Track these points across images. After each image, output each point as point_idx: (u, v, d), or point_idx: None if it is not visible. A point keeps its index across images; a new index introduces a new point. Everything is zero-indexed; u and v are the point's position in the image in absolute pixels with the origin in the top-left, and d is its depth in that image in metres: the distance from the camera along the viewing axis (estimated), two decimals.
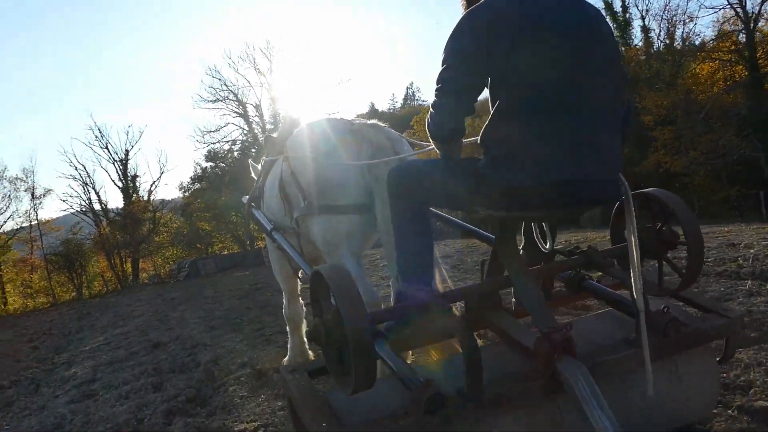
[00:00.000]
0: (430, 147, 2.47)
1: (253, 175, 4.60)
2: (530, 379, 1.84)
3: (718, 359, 2.28)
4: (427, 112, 2.23)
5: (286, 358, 4.31)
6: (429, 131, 2.15)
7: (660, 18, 28.24)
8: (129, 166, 38.19)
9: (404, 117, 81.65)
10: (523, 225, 2.67)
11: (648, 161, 24.87)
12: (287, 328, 4.28)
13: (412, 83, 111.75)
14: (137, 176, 38.50)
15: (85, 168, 37.18)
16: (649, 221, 2.41)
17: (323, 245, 3.16)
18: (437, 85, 2.03)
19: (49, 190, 36.16)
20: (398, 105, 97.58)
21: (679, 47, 27.88)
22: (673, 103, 23.67)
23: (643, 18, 28.14)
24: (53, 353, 8.03)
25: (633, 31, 27.91)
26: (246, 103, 39.06)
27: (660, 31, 28.38)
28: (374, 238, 3.33)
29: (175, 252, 39.04)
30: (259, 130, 39.68)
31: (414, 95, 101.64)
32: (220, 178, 38.22)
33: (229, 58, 43.18)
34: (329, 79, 39.36)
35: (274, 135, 4.06)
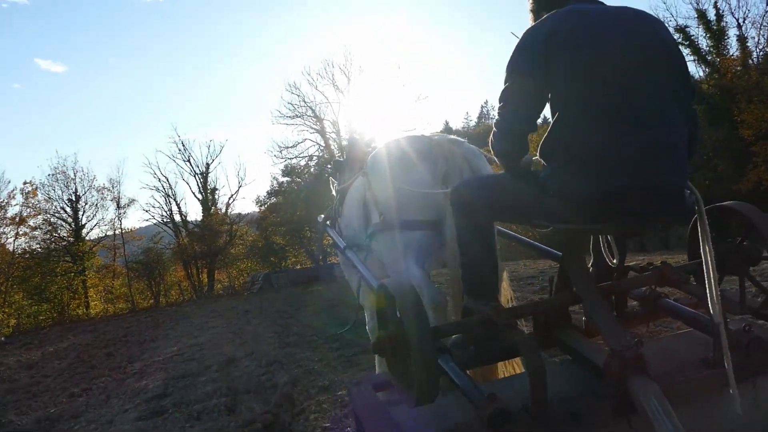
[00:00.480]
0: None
1: (332, 191, 4.61)
2: (600, 397, 1.78)
3: None
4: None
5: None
6: (492, 149, 2.17)
7: (759, 25, 26.37)
8: (209, 179, 39.06)
9: (479, 135, 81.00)
10: (591, 240, 2.54)
11: (747, 179, 23.11)
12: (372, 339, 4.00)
13: (487, 101, 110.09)
14: (216, 189, 39.31)
15: (167, 180, 38.29)
16: (729, 236, 2.33)
17: (388, 256, 3.18)
18: (499, 103, 2.06)
19: (133, 200, 37.33)
20: (472, 123, 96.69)
21: None
22: None
23: (739, 26, 26.42)
24: (126, 361, 7.81)
25: (729, 40, 26.16)
26: (323, 119, 39.31)
27: (759, 39, 26.56)
28: (442, 257, 3.20)
29: (249, 264, 39.45)
30: (336, 146, 39.77)
31: (488, 113, 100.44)
32: (296, 193, 38.40)
33: (309, 75, 43.58)
34: (407, 96, 38.52)
35: (342, 158, 4.28)
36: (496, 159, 2.24)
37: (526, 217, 2.22)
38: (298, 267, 38.61)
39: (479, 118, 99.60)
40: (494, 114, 2.21)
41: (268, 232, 38.50)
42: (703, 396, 1.86)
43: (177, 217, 38.37)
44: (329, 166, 38.12)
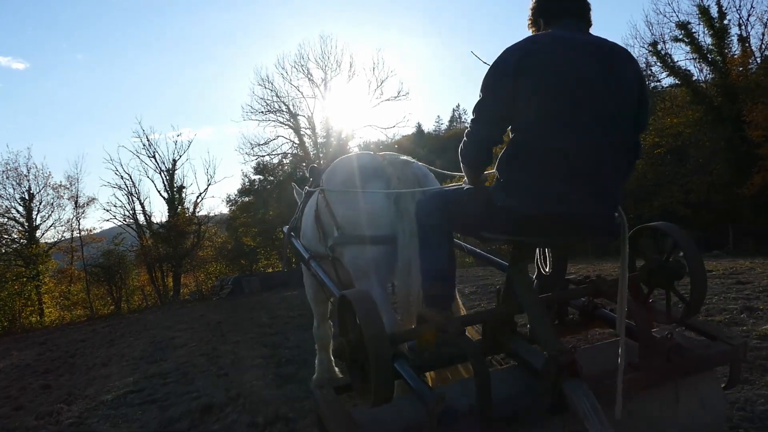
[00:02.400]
0: (459, 175, 2.77)
1: (295, 196, 5.18)
2: (538, 397, 1.99)
3: (723, 385, 2.44)
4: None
5: (314, 376, 4.62)
6: (461, 156, 2.37)
7: (765, 21, 25.32)
8: (176, 176, 36.78)
9: (450, 138, 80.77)
10: (536, 254, 2.75)
11: (752, 182, 21.92)
12: (316, 347, 4.65)
13: (459, 105, 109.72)
14: (184, 187, 37.03)
15: (131, 177, 35.91)
16: (659, 252, 2.58)
17: (354, 272, 3.35)
18: (472, 114, 2.25)
19: (92, 198, 34.94)
20: (443, 126, 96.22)
21: None
22: None
23: (740, 26, 25.36)
24: (63, 401, 5.85)
25: (731, 39, 25.07)
26: (298, 114, 37.40)
27: (765, 36, 25.53)
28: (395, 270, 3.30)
29: (217, 267, 37.33)
30: (311, 143, 37.95)
31: (460, 117, 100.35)
32: (269, 192, 36.44)
33: (282, 68, 41.42)
34: (385, 93, 36.75)
35: (320, 165, 4.50)
36: (461, 165, 2.41)
37: (475, 229, 2.41)
38: (270, 270, 36.76)
39: (450, 121, 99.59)
40: (467, 123, 2.41)
41: (239, 233, 36.55)
42: (630, 396, 2.08)
43: (141, 217, 36.02)
44: (305, 165, 36.81)
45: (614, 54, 2.17)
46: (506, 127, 2.20)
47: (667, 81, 27.79)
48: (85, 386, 6.60)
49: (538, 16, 2.40)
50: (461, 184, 2.66)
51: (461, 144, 2.34)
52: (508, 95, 2.11)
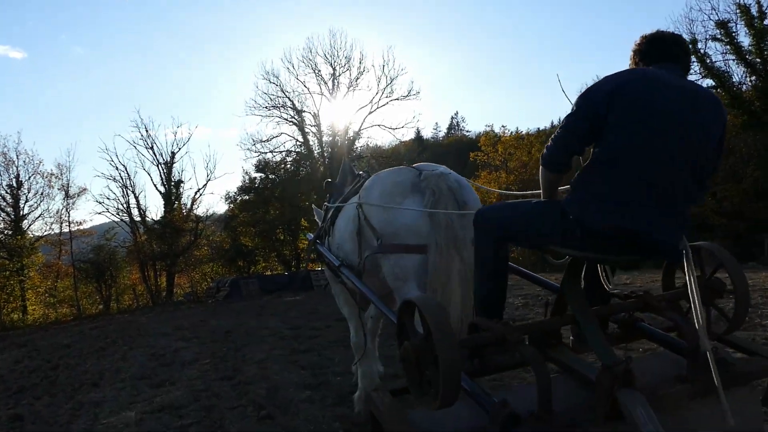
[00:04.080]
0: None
1: (316, 218, 5.41)
2: (593, 406, 2.03)
3: (761, 398, 2.51)
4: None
5: (357, 391, 4.38)
6: (542, 157, 2.42)
7: None
8: (174, 170, 34.90)
9: (449, 146, 79.83)
10: (584, 269, 2.76)
11: None
12: (356, 357, 4.55)
13: (457, 113, 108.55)
14: (182, 182, 35.08)
15: (126, 169, 33.95)
16: (699, 271, 2.57)
17: (393, 280, 3.44)
18: (562, 122, 2.35)
19: (84, 189, 32.97)
20: (441, 134, 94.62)
21: None
22: None
23: None
24: None
25: None
26: (303, 111, 35.73)
27: None
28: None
29: (214, 268, 35.53)
30: (315, 141, 36.30)
31: (459, 125, 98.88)
32: (270, 191, 34.71)
33: (289, 62, 39.51)
34: (394, 93, 35.01)
35: (336, 181, 4.89)
36: (542, 166, 2.46)
37: (542, 242, 2.51)
38: (268, 273, 35.07)
39: (449, 129, 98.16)
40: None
41: (237, 233, 34.76)
42: (679, 406, 2.19)
43: (135, 212, 33.96)
44: (317, 153, 35.18)
45: (704, 97, 2.29)
46: (589, 143, 2.32)
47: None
48: (69, 420, 4.89)
49: (639, 57, 2.52)
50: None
51: (545, 147, 2.43)
52: (594, 120, 2.24)
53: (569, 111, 2.33)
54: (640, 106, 2.18)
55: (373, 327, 4.55)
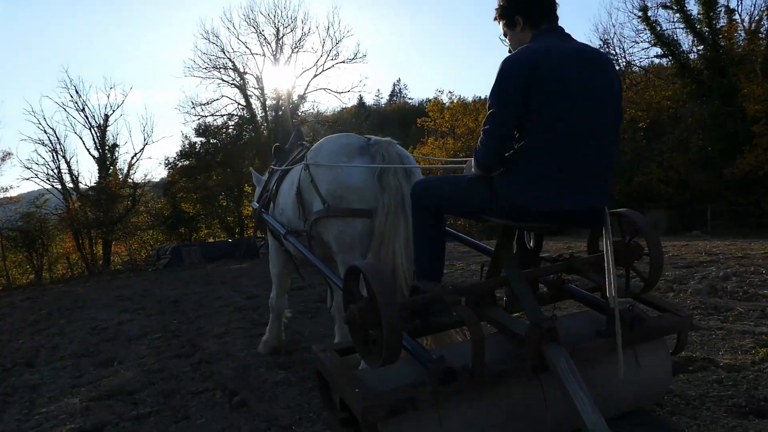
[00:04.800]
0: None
1: (254, 182, 5.44)
2: (522, 360, 2.30)
3: (671, 351, 2.79)
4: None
5: (263, 338, 4.94)
6: (476, 161, 2.51)
7: None
8: (108, 133, 33.08)
9: (392, 113, 78.98)
10: (516, 234, 2.89)
11: (744, 161, 20.74)
12: (271, 315, 4.87)
13: (400, 80, 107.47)
14: (117, 146, 33.39)
15: (55, 132, 32.24)
16: (619, 235, 2.77)
17: (338, 246, 3.47)
18: (485, 126, 2.41)
19: (8, 153, 30.93)
20: (383, 101, 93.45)
21: None
22: None
23: None
24: None
25: (720, 10, 23.65)
26: (245, 73, 34.32)
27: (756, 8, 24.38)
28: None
29: (153, 235, 34.14)
30: (259, 105, 35.03)
31: (401, 92, 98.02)
32: (212, 156, 33.38)
33: (230, 21, 37.63)
34: (340, 56, 33.90)
35: (285, 146, 4.92)
36: (475, 168, 2.53)
37: (476, 214, 2.64)
38: (211, 240, 33.94)
39: (391, 96, 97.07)
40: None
41: (178, 199, 33.38)
42: (598, 359, 2.45)
43: (67, 178, 32.09)
44: (260, 117, 33.93)
45: (602, 60, 2.45)
46: (515, 138, 2.38)
47: (653, 51, 26.47)
48: None
49: (513, 12, 2.56)
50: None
51: (476, 148, 2.49)
52: (518, 108, 2.30)
53: (489, 112, 2.40)
54: (557, 89, 2.27)
55: (284, 284, 4.87)
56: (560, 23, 2.55)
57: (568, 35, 2.49)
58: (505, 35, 2.68)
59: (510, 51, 2.57)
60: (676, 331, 2.74)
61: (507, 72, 2.33)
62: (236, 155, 32.91)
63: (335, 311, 4.23)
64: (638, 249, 2.74)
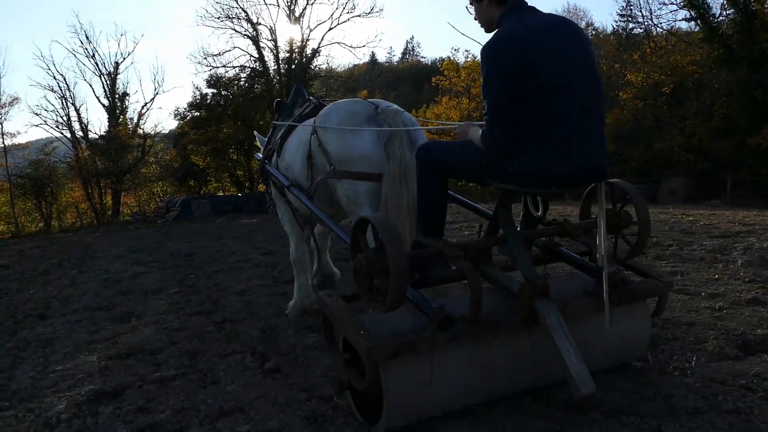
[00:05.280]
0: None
1: (258, 144, 5.41)
2: (515, 313, 2.49)
3: (651, 313, 2.97)
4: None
5: (293, 300, 4.65)
6: (484, 144, 2.58)
7: None
8: (118, 81, 32.52)
9: (404, 71, 77.90)
10: (523, 198, 3.11)
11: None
12: (294, 271, 4.72)
13: (413, 37, 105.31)
14: (127, 94, 32.81)
15: (65, 79, 31.62)
16: (610, 204, 2.95)
17: (347, 203, 3.64)
18: (487, 115, 2.52)
19: (16, 98, 30.45)
20: (395, 58, 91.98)
21: None
22: None
23: None
24: None
25: None
26: (259, 24, 33.46)
27: None
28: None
29: (163, 187, 33.86)
30: (271, 57, 34.25)
31: (414, 50, 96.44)
32: (223, 109, 32.82)
33: None
34: (357, 9, 33.09)
35: (286, 101, 5.06)
36: (486, 149, 2.58)
37: (479, 178, 2.81)
38: (220, 194, 33.68)
39: (403, 54, 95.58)
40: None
41: (188, 151, 32.93)
42: (585, 315, 2.63)
43: (76, 126, 31.64)
44: (273, 71, 33.36)
45: (573, 27, 2.57)
46: (517, 118, 2.46)
47: (682, 14, 25.55)
48: (11, 365, 3.92)
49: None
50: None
51: (483, 130, 2.58)
52: (513, 94, 2.42)
53: (487, 102, 2.51)
54: (545, 67, 2.39)
55: (323, 242, 4.84)
56: None
57: (533, 8, 2.60)
58: (471, 4, 2.78)
59: (480, 25, 2.79)
60: (657, 294, 2.92)
61: (492, 64, 2.45)
62: (248, 108, 32.32)
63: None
64: (627, 217, 2.94)
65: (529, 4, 2.61)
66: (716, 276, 4.92)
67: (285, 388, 3.02)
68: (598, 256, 2.60)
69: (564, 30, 2.49)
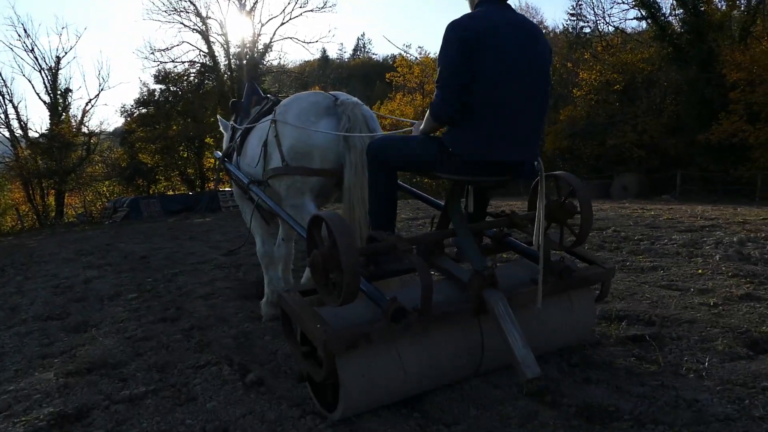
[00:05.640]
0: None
1: (222, 129, 5.39)
2: (465, 303, 2.59)
3: (596, 299, 3.12)
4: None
5: (263, 300, 4.46)
6: (433, 114, 2.75)
7: None
8: (60, 76, 31.28)
9: (356, 68, 77.51)
10: (466, 191, 3.21)
11: (719, 128, 20.64)
12: (263, 266, 4.57)
13: (364, 34, 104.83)
14: (70, 90, 31.60)
15: (1, 74, 29.98)
16: (556, 195, 3.12)
17: (287, 191, 3.68)
18: (437, 83, 2.67)
19: None
20: (347, 55, 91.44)
21: None
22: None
23: None
24: None
25: None
26: (208, 18, 32.64)
27: None
28: (333, 197, 4.02)
29: (110, 187, 32.70)
30: (222, 52, 33.47)
31: (365, 47, 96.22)
32: (172, 105, 31.91)
33: None
34: (310, 3, 32.59)
35: (241, 101, 4.98)
36: (432, 116, 2.76)
37: (426, 169, 2.88)
38: (170, 193, 32.74)
39: (354, 50, 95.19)
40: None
41: (135, 149, 31.88)
42: (531, 303, 2.66)
43: (15, 123, 30.20)
44: (223, 66, 32.53)
45: (536, 31, 2.72)
46: (467, 90, 2.58)
47: (631, 13, 26.08)
48: None
49: None
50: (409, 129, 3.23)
51: (432, 104, 2.72)
52: (463, 66, 2.55)
53: (439, 71, 2.65)
54: (495, 53, 2.53)
55: (287, 250, 4.69)
56: None
57: (509, 5, 2.75)
58: None
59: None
60: (601, 280, 3.06)
61: (451, 34, 2.58)
62: (198, 104, 31.52)
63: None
64: (572, 208, 3.03)
65: (506, 2, 2.76)
66: (699, 271, 4.84)
67: (272, 403, 2.73)
68: (533, 243, 2.78)
69: (525, 29, 2.66)
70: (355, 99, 3.75)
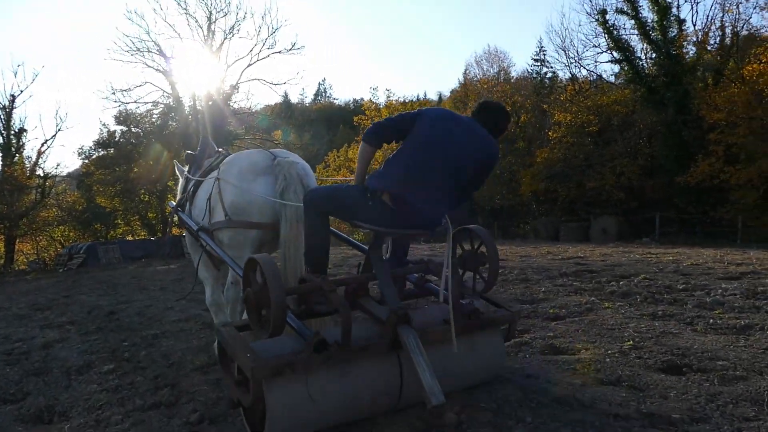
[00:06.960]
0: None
1: (177, 173, 5.71)
2: (381, 338, 2.85)
3: (504, 339, 3.44)
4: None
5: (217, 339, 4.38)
6: (366, 137, 3.21)
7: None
8: (14, 116, 29.65)
9: (317, 112, 77.48)
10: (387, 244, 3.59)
11: (697, 170, 20.55)
12: (212, 314, 4.85)
13: (325, 80, 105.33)
14: (25, 130, 29.98)
15: None
16: (470, 245, 3.49)
17: (230, 242, 4.03)
18: (382, 122, 3.21)
19: None
20: (308, 99, 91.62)
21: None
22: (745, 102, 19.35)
23: (679, 7, 24.01)
24: None
25: (673, 18, 23.56)
26: (172, 58, 31.66)
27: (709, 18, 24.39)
28: (271, 248, 4.22)
29: (65, 232, 30.95)
30: (187, 93, 32.42)
31: (326, 92, 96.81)
32: (133, 147, 30.59)
33: (157, 1, 34.43)
34: (276, 47, 31.90)
35: (195, 153, 5.40)
36: (363, 143, 3.23)
37: (349, 217, 3.21)
38: (130, 238, 31.17)
39: (316, 95, 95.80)
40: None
41: (93, 192, 30.33)
42: (442, 341, 2.97)
43: None
44: (176, 119, 31.56)
45: (486, 142, 3.16)
46: (398, 137, 3.18)
47: (604, 57, 26.36)
48: None
49: (473, 109, 3.41)
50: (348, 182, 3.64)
51: (370, 131, 3.23)
52: (404, 130, 3.13)
53: (392, 117, 3.21)
54: (432, 129, 3.06)
55: (235, 293, 4.57)
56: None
57: (480, 126, 3.22)
58: None
59: None
60: (507, 322, 3.39)
61: (415, 114, 3.16)
62: (160, 148, 30.30)
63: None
64: (483, 257, 3.40)
65: (479, 124, 3.24)
66: None
67: None
68: (440, 290, 3.20)
69: (476, 134, 3.14)
70: (293, 157, 4.16)
